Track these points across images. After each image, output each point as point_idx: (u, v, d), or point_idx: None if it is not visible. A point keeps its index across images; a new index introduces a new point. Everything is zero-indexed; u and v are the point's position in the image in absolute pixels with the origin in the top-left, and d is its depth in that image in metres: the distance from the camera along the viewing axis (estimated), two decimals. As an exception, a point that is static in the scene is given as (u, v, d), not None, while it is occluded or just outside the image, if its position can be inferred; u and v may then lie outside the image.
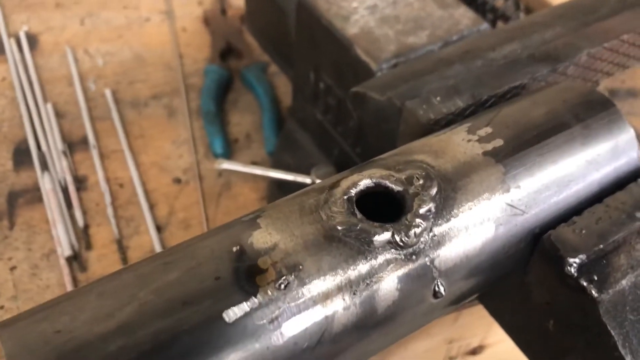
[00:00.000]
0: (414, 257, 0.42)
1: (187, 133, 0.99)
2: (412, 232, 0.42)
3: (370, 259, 0.41)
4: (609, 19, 0.68)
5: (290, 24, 0.81)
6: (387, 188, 0.44)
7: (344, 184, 0.43)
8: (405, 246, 0.42)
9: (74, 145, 0.96)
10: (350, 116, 0.70)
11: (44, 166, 0.91)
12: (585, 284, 0.46)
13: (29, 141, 0.94)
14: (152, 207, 0.90)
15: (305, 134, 0.86)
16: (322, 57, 0.74)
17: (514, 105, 0.54)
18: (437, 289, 0.44)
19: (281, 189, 0.86)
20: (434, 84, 0.59)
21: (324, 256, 0.40)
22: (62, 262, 0.82)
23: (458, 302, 0.49)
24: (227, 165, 0.85)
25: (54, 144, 0.94)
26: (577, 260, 0.47)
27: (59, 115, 0.99)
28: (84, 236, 0.86)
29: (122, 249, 0.85)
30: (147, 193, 0.91)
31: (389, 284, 0.41)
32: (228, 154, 0.97)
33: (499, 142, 0.49)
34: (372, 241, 0.41)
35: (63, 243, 0.83)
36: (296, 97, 0.87)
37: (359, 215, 0.41)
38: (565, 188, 0.50)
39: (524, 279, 0.52)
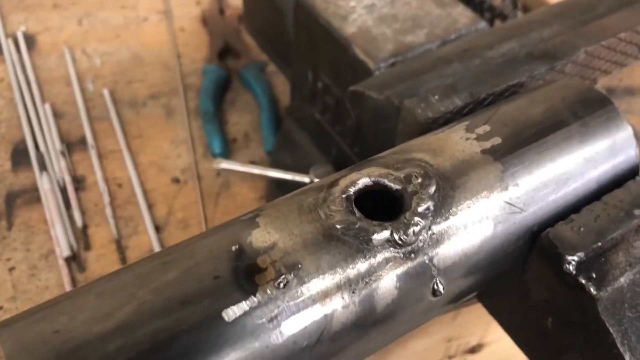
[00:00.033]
0: (412, 255, 0.42)
1: (186, 133, 0.99)
2: (410, 231, 0.42)
3: (369, 258, 0.41)
4: (606, 17, 0.68)
5: (288, 23, 0.81)
6: (385, 186, 0.44)
7: (343, 182, 0.43)
8: (404, 244, 0.42)
9: (72, 145, 0.96)
10: (348, 115, 0.70)
11: (42, 166, 0.91)
12: (583, 281, 0.46)
13: (27, 141, 0.94)
14: (150, 207, 0.90)
15: (303, 133, 0.86)
16: (320, 56, 0.74)
17: (512, 104, 0.54)
18: (436, 287, 0.44)
19: (280, 188, 0.86)
20: (432, 83, 0.59)
21: (323, 255, 0.40)
22: (61, 262, 0.82)
23: (457, 300, 0.49)
24: (225, 164, 0.85)
25: (52, 145, 0.94)
26: (575, 258, 0.47)
27: (57, 115, 0.99)
28: (82, 236, 0.86)
29: (120, 249, 0.85)
30: (145, 193, 0.91)
31: (388, 283, 0.41)
32: (226, 154, 0.97)
33: (497, 140, 0.49)
34: (371, 240, 0.41)
35: (62, 243, 0.83)
36: (294, 96, 0.87)
37: (357, 213, 0.41)
38: (563, 186, 0.50)
39: (522, 277, 0.52)
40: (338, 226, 0.41)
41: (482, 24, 0.71)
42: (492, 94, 0.58)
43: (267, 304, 0.37)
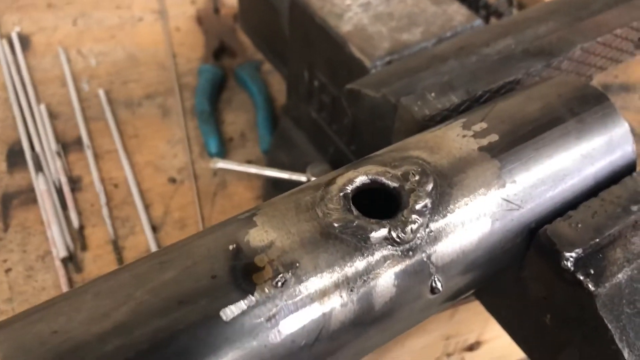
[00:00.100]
0: (410, 253, 0.42)
1: (182, 132, 0.99)
2: (408, 228, 0.42)
3: (367, 256, 0.41)
4: (602, 13, 0.68)
5: (284, 22, 0.81)
6: (383, 184, 0.44)
7: (340, 181, 0.43)
8: (402, 242, 0.42)
9: (67, 145, 0.95)
10: (344, 114, 0.70)
11: (38, 167, 0.91)
12: (581, 277, 0.46)
13: (23, 142, 0.94)
14: (147, 207, 0.90)
15: (300, 132, 0.86)
16: (316, 55, 0.74)
17: (508, 100, 0.54)
18: (434, 284, 0.44)
19: (276, 187, 0.86)
20: (429, 80, 0.59)
21: (321, 253, 0.40)
22: (58, 263, 0.82)
23: (455, 297, 0.49)
24: (222, 164, 0.85)
25: (48, 145, 0.94)
26: (573, 254, 0.47)
27: (52, 116, 0.99)
28: (79, 237, 0.85)
29: (117, 249, 0.85)
30: (142, 193, 0.91)
31: (386, 281, 0.41)
32: (223, 153, 0.97)
33: (494, 137, 0.49)
34: (368, 238, 0.41)
35: (58, 244, 0.83)
36: (290, 95, 0.87)
37: (355, 212, 0.41)
38: (560, 182, 0.50)
39: (520, 274, 0.52)
40: (336, 224, 0.41)
41: (478, 22, 0.71)
42: (488, 91, 0.58)
43: (265, 303, 0.37)
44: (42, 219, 0.86)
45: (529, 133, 0.50)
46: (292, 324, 0.38)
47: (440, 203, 0.44)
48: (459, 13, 0.72)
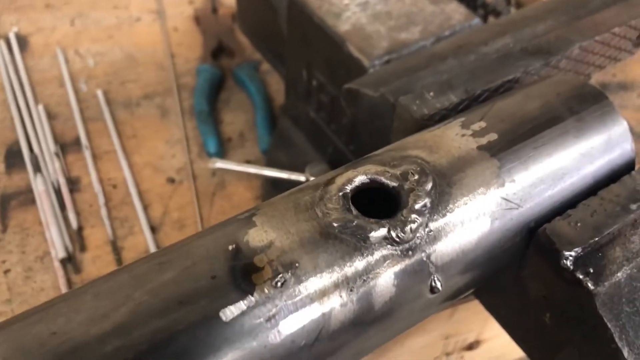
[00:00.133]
0: (410, 252, 0.42)
1: (180, 133, 0.99)
2: (408, 228, 0.42)
3: (367, 255, 0.41)
4: (600, 12, 0.68)
5: (282, 21, 0.81)
6: (382, 184, 0.44)
7: (339, 180, 0.43)
8: (401, 242, 0.41)
9: (66, 146, 0.95)
10: (343, 113, 0.70)
11: (37, 168, 0.91)
12: (581, 276, 0.46)
13: (21, 143, 0.94)
14: (146, 207, 0.90)
15: (298, 131, 0.86)
16: (314, 54, 0.74)
17: (507, 99, 0.54)
18: (433, 284, 0.44)
19: (276, 187, 0.86)
20: (427, 80, 0.59)
21: (320, 253, 0.40)
22: (56, 264, 0.82)
23: (454, 297, 0.49)
24: (221, 164, 0.85)
25: (46, 146, 0.94)
26: (572, 253, 0.47)
27: (50, 116, 0.98)
28: (78, 238, 0.85)
29: (116, 249, 0.85)
30: (140, 193, 0.91)
31: (385, 280, 0.41)
32: (222, 153, 0.97)
33: (493, 136, 0.49)
34: (368, 237, 0.41)
35: (57, 245, 0.83)
36: (289, 95, 0.87)
37: (354, 211, 0.41)
38: (559, 181, 0.50)
39: (519, 273, 0.52)
40: (335, 224, 0.41)
41: (476, 21, 0.71)
42: (487, 90, 0.58)
43: (264, 303, 0.37)
44: (41, 219, 0.86)
45: (528, 132, 0.50)
46: (291, 324, 0.38)
47: (440, 202, 0.44)
48: (457, 12, 0.72)
